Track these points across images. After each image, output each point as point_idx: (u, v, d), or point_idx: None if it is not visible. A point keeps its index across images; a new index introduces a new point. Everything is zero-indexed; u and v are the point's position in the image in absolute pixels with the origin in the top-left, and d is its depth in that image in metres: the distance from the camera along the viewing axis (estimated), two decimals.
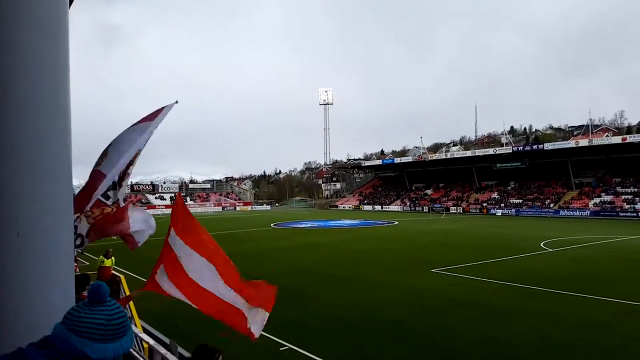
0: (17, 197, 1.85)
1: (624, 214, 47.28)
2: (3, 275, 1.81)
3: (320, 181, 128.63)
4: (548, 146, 59.10)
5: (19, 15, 1.89)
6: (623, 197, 50.71)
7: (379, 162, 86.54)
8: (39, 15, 1.95)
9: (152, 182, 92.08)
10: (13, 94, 1.87)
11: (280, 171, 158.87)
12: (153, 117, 4.05)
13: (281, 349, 9.03)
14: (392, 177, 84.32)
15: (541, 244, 24.72)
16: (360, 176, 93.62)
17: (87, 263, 17.97)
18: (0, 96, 1.85)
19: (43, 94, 1.95)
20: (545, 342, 9.31)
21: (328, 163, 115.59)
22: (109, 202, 4.07)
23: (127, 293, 10.45)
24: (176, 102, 4.23)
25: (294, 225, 42.67)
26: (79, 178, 3.07)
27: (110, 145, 3.88)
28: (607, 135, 68.33)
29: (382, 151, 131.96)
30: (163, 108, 4.13)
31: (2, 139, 1.84)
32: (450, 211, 62.15)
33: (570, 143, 58.39)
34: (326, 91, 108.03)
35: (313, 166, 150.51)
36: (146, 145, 3.95)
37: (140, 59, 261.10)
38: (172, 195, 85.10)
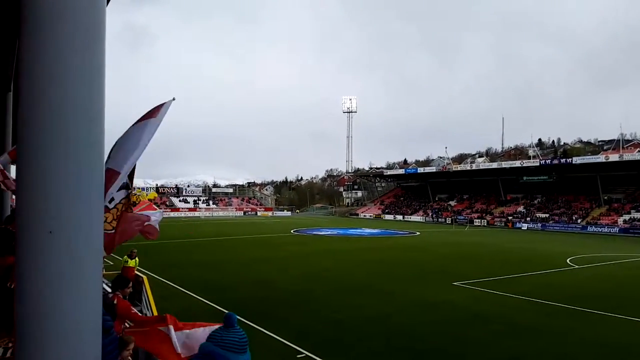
0: (50, 195, 1.90)
1: None
2: (35, 272, 1.87)
3: (341, 189, 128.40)
4: (577, 160, 57.59)
5: (59, 19, 1.96)
6: None
7: (401, 171, 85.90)
8: (77, 18, 2.00)
9: (176, 185, 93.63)
10: (47, 95, 1.92)
11: (301, 177, 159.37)
12: (155, 113, 4.11)
13: (298, 356, 9.02)
14: (415, 187, 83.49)
15: (567, 260, 24.03)
16: (382, 185, 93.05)
17: (112, 263, 18.35)
18: (36, 97, 1.92)
19: (78, 95, 1.99)
20: None
21: (350, 171, 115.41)
22: (111, 205, 4.11)
23: (149, 294, 10.62)
24: (173, 99, 4.28)
25: (314, 232, 42.66)
26: None
27: (116, 144, 3.95)
28: (639, 151, 66.14)
29: (405, 160, 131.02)
30: (162, 105, 4.19)
31: (37, 139, 1.90)
32: (474, 224, 61.07)
33: (600, 158, 56.74)
34: (350, 99, 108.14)
35: (335, 173, 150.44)
36: (153, 143, 4.04)
37: (165, 61, 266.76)
38: (196, 198, 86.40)
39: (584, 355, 9.42)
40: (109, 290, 6.06)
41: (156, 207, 4.62)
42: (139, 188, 79.79)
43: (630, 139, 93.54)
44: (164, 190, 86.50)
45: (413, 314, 12.55)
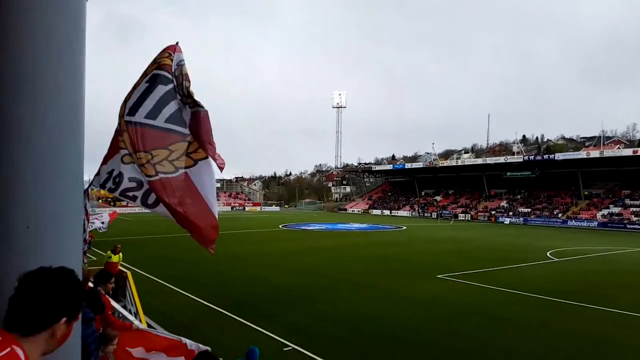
0: (28, 191, 1.90)
1: (632, 226, 46.72)
2: (12, 267, 1.85)
3: (330, 184, 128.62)
4: (559, 156, 58.61)
5: (38, 9, 1.94)
6: (631, 209, 50.10)
7: (389, 166, 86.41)
8: (55, 13, 1.99)
9: None
10: (26, 89, 1.91)
11: (290, 173, 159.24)
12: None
13: (285, 349, 9.11)
14: (402, 183, 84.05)
15: (548, 254, 24.53)
16: (371, 180, 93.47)
17: (95, 258, 18.23)
18: (14, 92, 1.91)
19: (57, 87, 1.99)
20: (549, 352, 9.27)
21: (339, 166, 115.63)
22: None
23: (134, 290, 10.60)
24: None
25: (303, 227, 42.75)
26: (90, 174, 3.04)
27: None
28: (619, 148, 67.50)
29: (393, 156, 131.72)
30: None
31: (15, 135, 1.90)
32: (459, 218, 61.80)
33: (582, 154, 57.82)
34: (339, 94, 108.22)
35: (323, 169, 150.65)
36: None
37: (154, 52, 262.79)
38: None
39: (562, 346, 9.68)
40: (91, 285, 6.07)
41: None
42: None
43: (611, 136, 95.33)
44: None
45: (402, 307, 12.71)
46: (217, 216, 2.87)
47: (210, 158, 2.85)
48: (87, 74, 2.21)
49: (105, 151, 2.91)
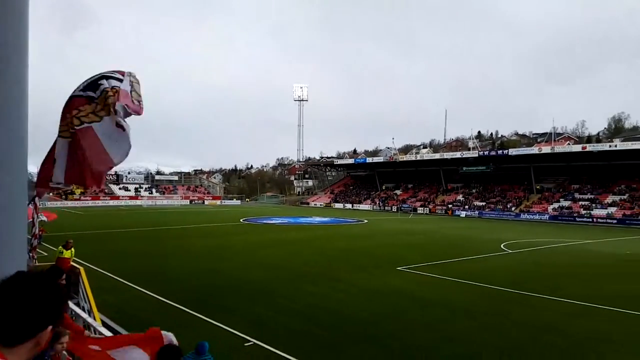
0: None
1: (580, 219, 49.31)
2: None
3: (292, 178, 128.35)
4: (512, 152, 61.01)
5: None
6: (580, 203, 52.88)
7: (351, 161, 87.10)
8: None
9: (116, 172, 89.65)
10: None
11: (252, 166, 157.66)
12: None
13: (246, 344, 9.00)
14: (364, 177, 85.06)
15: (501, 246, 25.52)
16: (333, 174, 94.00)
17: (46, 254, 17.36)
18: None
19: None
20: (503, 341, 9.64)
21: (301, 160, 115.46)
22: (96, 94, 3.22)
23: (87, 286, 10.15)
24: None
25: (264, 221, 42.46)
26: (37, 166, 2.94)
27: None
28: (569, 144, 71.09)
29: (354, 150, 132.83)
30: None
31: None
32: (418, 212, 63.24)
33: (534, 149, 60.52)
34: (301, 87, 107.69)
35: (285, 162, 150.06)
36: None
37: (110, 43, 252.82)
38: (137, 186, 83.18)
39: (515, 334, 10.08)
40: None
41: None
42: None
43: (562, 132, 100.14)
44: None
45: (361, 300, 12.88)
46: (115, 162, 3.21)
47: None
48: (32, 63, 2.08)
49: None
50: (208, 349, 2.97)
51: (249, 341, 9.10)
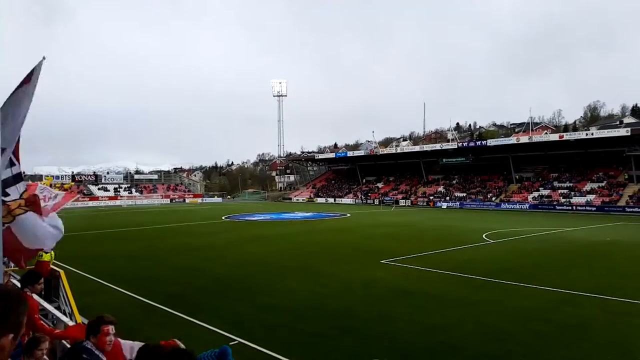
0: None
1: (560, 207, 50.42)
2: None
3: (273, 173, 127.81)
4: (491, 142, 62.03)
5: None
6: (559, 191, 54.05)
7: (332, 155, 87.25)
8: None
9: (94, 172, 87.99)
10: None
11: (232, 163, 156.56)
12: (29, 79, 3.76)
13: (231, 343, 8.93)
14: (345, 170, 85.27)
15: (483, 236, 25.90)
16: (314, 169, 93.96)
17: None
18: None
19: None
20: (487, 330, 9.78)
21: (282, 155, 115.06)
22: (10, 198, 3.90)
23: (67, 289, 9.92)
24: (44, 59, 3.89)
25: (247, 218, 42.22)
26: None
27: None
28: (546, 133, 72.60)
29: (335, 144, 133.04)
30: (34, 68, 3.82)
31: None
32: (400, 204, 63.78)
33: (512, 140, 61.56)
34: (280, 82, 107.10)
35: (266, 158, 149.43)
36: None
37: (84, 38, 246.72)
38: (116, 186, 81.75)
39: (499, 322, 10.25)
40: (19, 285, 5.59)
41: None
42: (50, 176, 74.04)
43: (539, 122, 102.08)
44: (81, 178, 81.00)
45: (347, 293, 12.90)
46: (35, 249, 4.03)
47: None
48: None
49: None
50: (231, 354, 2.93)
51: (234, 340, 9.03)
